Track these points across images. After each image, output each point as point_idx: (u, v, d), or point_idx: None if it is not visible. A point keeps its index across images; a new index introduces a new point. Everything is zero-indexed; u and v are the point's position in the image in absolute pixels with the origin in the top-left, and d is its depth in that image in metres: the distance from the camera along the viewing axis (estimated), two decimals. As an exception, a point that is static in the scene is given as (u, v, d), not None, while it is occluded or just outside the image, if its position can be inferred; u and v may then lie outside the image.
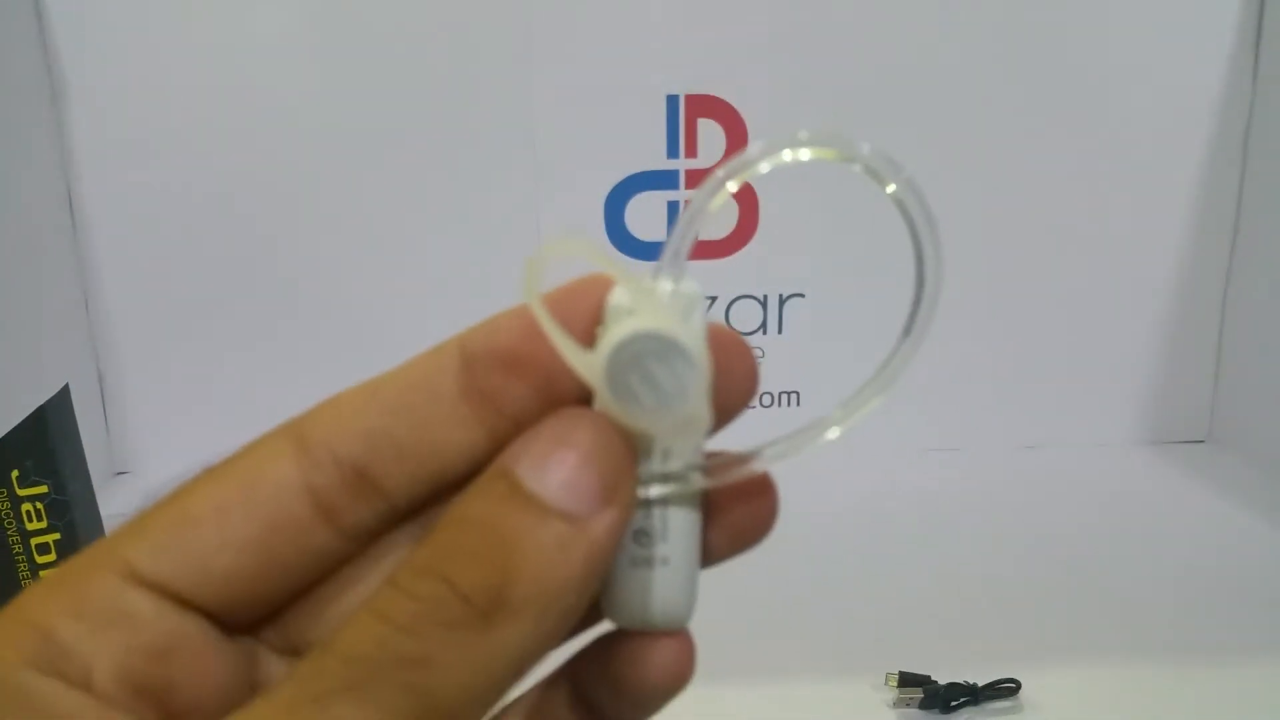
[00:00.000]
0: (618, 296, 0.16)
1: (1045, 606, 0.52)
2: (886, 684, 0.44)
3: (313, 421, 0.16)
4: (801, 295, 0.70)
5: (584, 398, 0.16)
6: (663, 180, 0.68)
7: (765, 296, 0.70)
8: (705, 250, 0.70)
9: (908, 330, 0.17)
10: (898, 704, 0.44)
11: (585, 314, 0.16)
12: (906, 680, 0.44)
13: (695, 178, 0.68)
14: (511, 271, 0.64)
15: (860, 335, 0.71)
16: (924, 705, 0.43)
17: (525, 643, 0.14)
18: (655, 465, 0.16)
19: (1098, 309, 0.72)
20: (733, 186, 0.16)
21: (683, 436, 0.16)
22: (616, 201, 0.68)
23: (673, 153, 0.68)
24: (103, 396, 0.70)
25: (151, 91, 0.65)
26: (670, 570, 0.16)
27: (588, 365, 0.15)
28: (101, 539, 0.15)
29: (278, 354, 0.70)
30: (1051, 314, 0.72)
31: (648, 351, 0.15)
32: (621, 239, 0.69)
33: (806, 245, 0.69)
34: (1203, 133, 0.69)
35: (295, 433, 0.16)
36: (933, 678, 0.44)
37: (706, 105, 0.67)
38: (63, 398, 0.45)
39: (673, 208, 0.69)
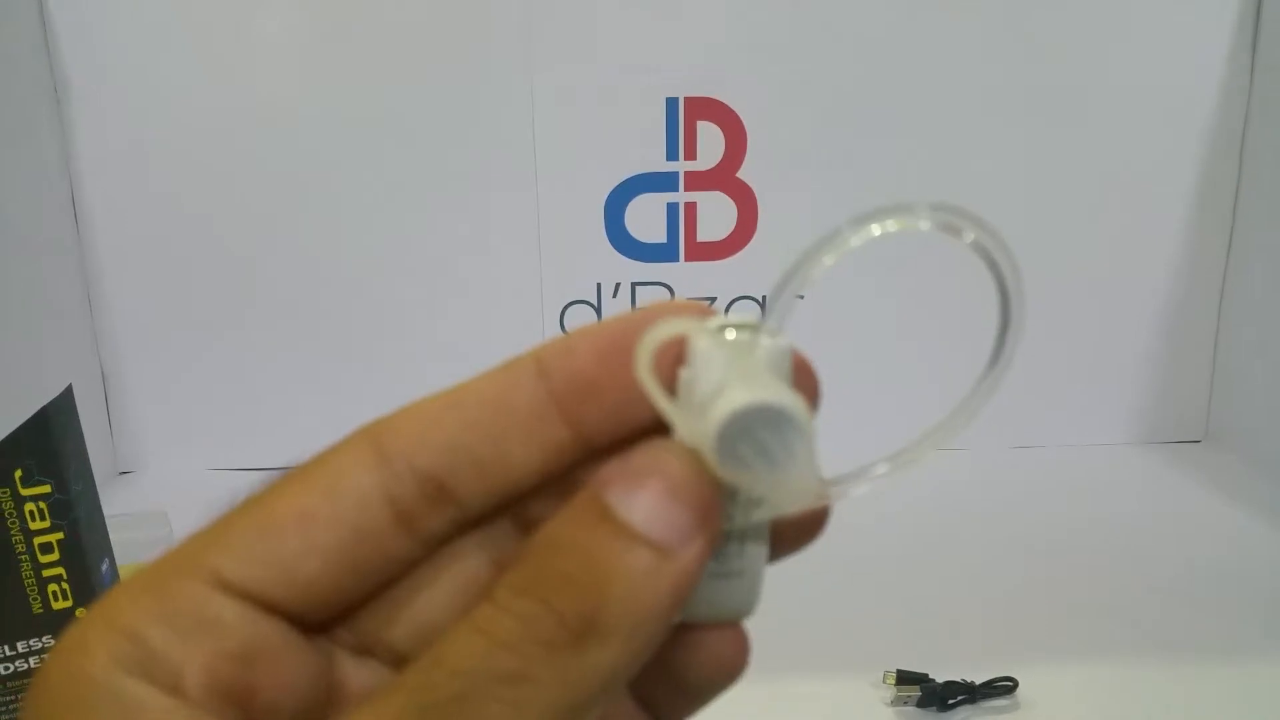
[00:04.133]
0: (705, 344, 0.16)
1: (1042, 605, 0.53)
2: (884, 682, 0.45)
3: (392, 431, 0.16)
4: (800, 296, 0.70)
5: (658, 420, 0.16)
6: (662, 182, 0.68)
7: (764, 297, 0.71)
8: (705, 251, 0.70)
9: (992, 362, 0.18)
10: (895, 702, 0.44)
11: (667, 349, 0.16)
12: (904, 678, 0.44)
13: (694, 180, 0.69)
14: (512, 272, 0.65)
15: (860, 335, 0.71)
16: (922, 703, 0.44)
17: (615, 662, 0.15)
18: (739, 495, 0.16)
19: (1095, 310, 0.72)
20: (829, 261, 0.17)
21: (790, 501, 0.16)
22: (616, 203, 0.69)
23: (672, 155, 0.68)
24: (106, 397, 0.70)
25: (154, 94, 0.65)
26: (743, 580, 0.17)
27: (694, 430, 0.15)
28: (185, 542, 0.16)
29: (280, 354, 0.70)
30: (1049, 315, 0.72)
31: (760, 423, 0.15)
32: (621, 240, 0.69)
33: (806, 246, 0.70)
34: (1199, 134, 0.69)
35: (374, 442, 0.16)
36: (930, 676, 0.44)
37: (706, 108, 0.67)
38: (66, 398, 0.45)
39: (672, 209, 0.69)
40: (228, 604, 0.15)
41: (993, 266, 0.17)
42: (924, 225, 0.16)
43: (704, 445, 0.15)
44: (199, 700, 0.15)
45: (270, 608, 0.16)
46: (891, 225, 0.16)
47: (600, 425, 0.17)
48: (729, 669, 0.17)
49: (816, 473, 0.16)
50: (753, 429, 0.15)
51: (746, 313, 0.17)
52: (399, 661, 0.17)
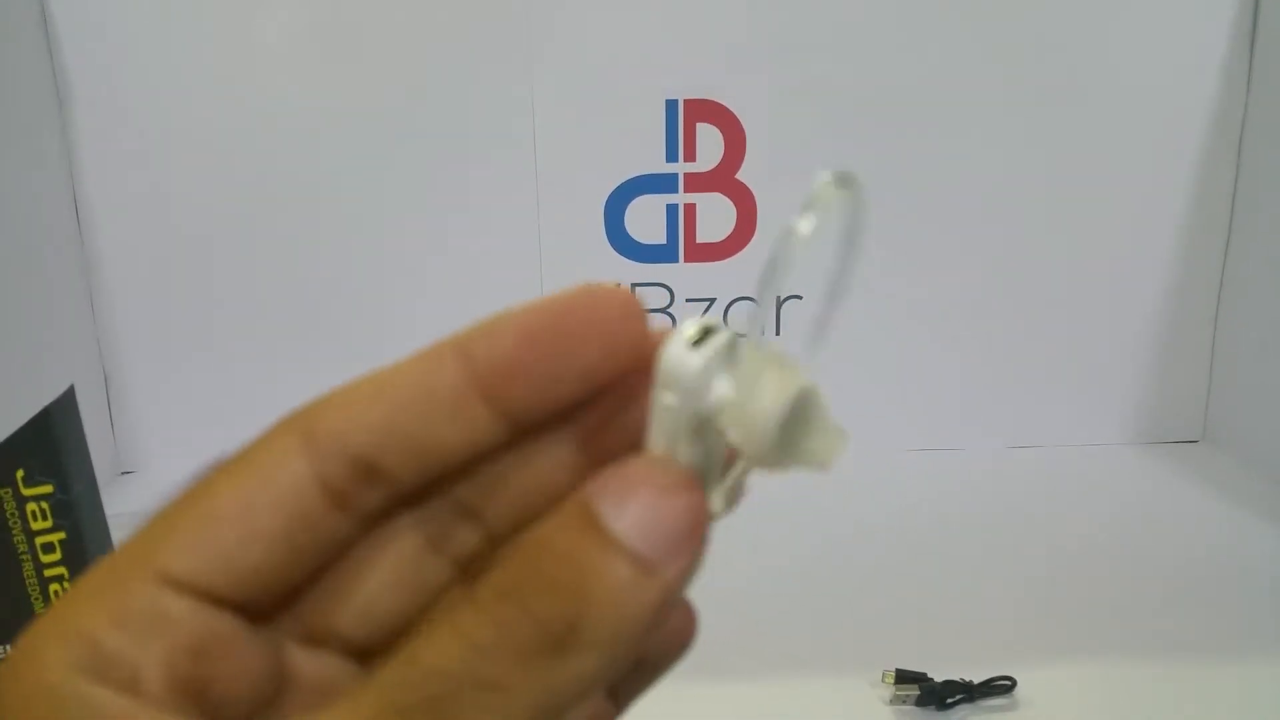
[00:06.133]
0: (696, 359, 0.16)
1: (1040, 605, 0.53)
2: (883, 681, 0.45)
3: (320, 415, 0.17)
4: (799, 297, 0.71)
5: (586, 400, 0.17)
6: (662, 184, 0.68)
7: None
8: (704, 252, 0.70)
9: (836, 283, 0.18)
10: (894, 701, 0.44)
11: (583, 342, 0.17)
12: (903, 677, 0.44)
13: (694, 181, 0.69)
14: (513, 273, 0.65)
15: (858, 337, 0.71)
16: (920, 702, 0.44)
17: (592, 672, 0.15)
18: (716, 482, 0.17)
19: (1093, 310, 0.72)
20: (805, 226, 0.17)
21: (825, 459, 0.17)
22: (616, 204, 0.69)
23: (672, 156, 0.68)
24: (108, 397, 0.70)
25: (155, 95, 0.66)
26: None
27: (758, 414, 0.16)
28: (129, 542, 0.16)
29: (281, 353, 0.70)
30: (1047, 315, 0.72)
31: (807, 404, 0.16)
32: (621, 241, 0.69)
33: (804, 248, 0.70)
34: (1198, 134, 0.69)
35: (304, 427, 0.16)
36: (929, 675, 0.45)
37: (705, 110, 0.67)
38: (68, 398, 0.45)
39: (671, 210, 0.69)
40: (177, 600, 0.15)
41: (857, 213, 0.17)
42: (832, 195, 0.17)
43: (754, 440, 0.16)
44: (159, 699, 0.15)
45: (218, 600, 0.16)
46: (815, 212, 0.17)
47: (523, 407, 0.17)
48: (682, 642, 0.18)
49: (837, 429, 0.16)
50: (798, 411, 0.16)
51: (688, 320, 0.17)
52: (349, 648, 0.17)
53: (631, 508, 0.15)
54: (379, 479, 0.16)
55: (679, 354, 0.16)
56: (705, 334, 0.16)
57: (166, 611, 0.15)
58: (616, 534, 0.15)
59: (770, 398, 0.16)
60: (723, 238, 0.70)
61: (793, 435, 0.16)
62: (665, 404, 0.16)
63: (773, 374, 0.16)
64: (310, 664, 0.17)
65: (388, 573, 0.17)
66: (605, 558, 0.15)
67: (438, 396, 0.17)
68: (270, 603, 0.16)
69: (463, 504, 0.18)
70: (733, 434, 0.16)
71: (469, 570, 0.19)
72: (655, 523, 0.15)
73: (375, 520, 0.17)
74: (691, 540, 0.15)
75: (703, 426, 0.16)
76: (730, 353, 0.16)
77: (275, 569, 0.16)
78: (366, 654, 0.18)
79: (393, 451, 0.16)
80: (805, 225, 0.16)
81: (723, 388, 0.16)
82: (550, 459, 0.18)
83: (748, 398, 0.16)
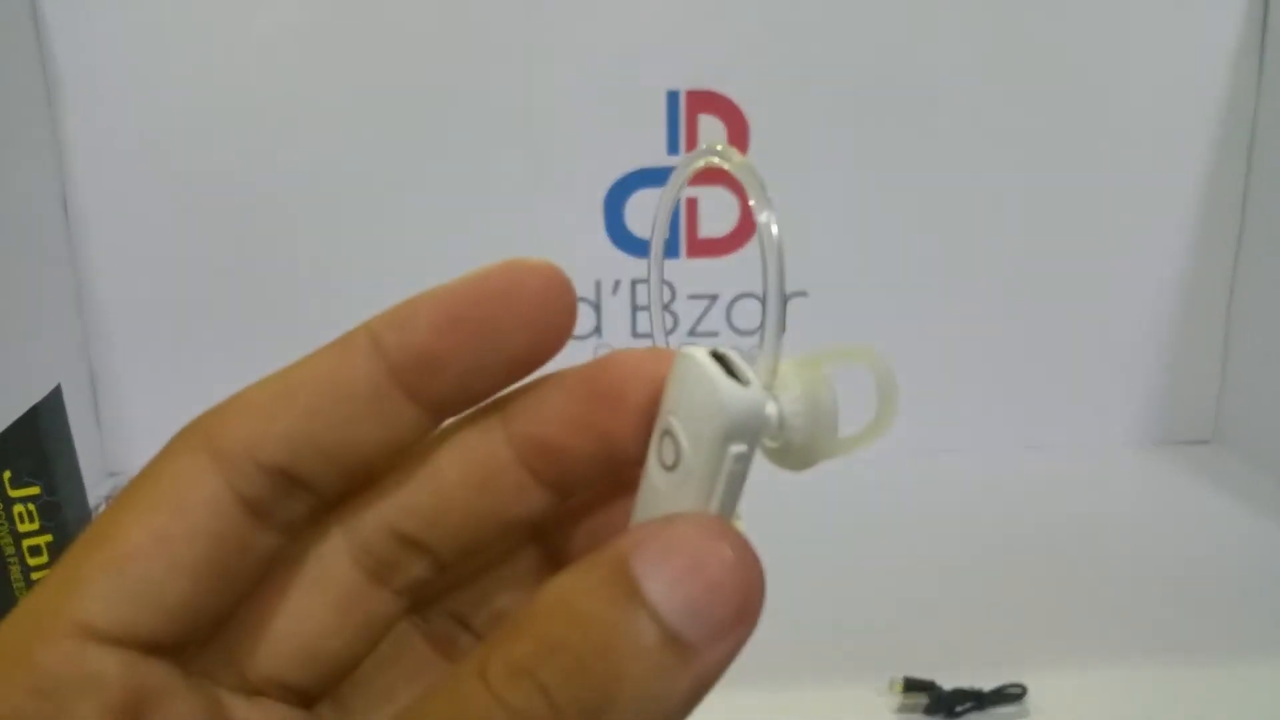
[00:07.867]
0: (756, 396, 0.15)
1: (1051, 610, 0.52)
2: (891, 689, 0.44)
3: (225, 428, 0.15)
4: (804, 294, 0.70)
5: (504, 387, 0.16)
6: (663, 177, 0.68)
7: (767, 295, 0.70)
8: (707, 249, 0.69)
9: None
10: (902, 710, 0.44)
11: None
12: (911, 685, 0.44)
13: (696, 175, 0.68)
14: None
15: (862, 333, 0.71)
16: (929, 711, 0.43)
17: None
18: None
19: (1103, 309, 0.72)
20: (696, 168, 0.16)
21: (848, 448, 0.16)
22: (616, 198, 0.68)
23: (673, 149, 0.67)
24: (95, 397, 0.69)
25: (146, 89, 0.65)
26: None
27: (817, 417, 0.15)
28: (34, 598, 0.15)
29: (272, 353, 0.69)
30: (1056, 314, 0.71)
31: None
32: (621, 235, 0.69)
33: (808, 244, 0.69)
34: (1207, 133, 0.69)
35: (208, 443, 0.15)
36: (938, 683, 0.44)
37: (707, 101, 0.66)
38: (55, 398, 0.44)
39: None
40: (103, 654, 0.14)
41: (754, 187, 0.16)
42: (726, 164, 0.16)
43: (813, 443, 0.15)
44: None
45: (149, 646, 0.14)
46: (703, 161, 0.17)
47: (445, 398, 0.16)
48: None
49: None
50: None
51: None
52: (291, 694, 0.16)
53: (675, 577, 0.13)
54: (301, 487, 0.16)
55: (739, 395, 0.14)
56: (720, 360, 0.15)
57: (91, 668, 0.14)
58: (656, 607, 0.13)
59: (821, 394, 0.15)
60: (725, 233, 0.69)
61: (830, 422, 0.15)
62: (735, 454, 0.14)
63: (791, 370, 0.15)
64: (250, 714, 0.16)
65: (328, 612, 0.16)
66: (639, 634, 0.13)
67: (355, 394, 0.15)
68: (206, 633, 0.15)
69: (404, 534, 0.17)
70: (781, 445, 0.15)
71: (420, 600, 0.17)
72: (701, 598, 0.13)
73: (303, 529, 0.16)
74: (742, 620, 0.13)
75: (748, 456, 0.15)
76: (753, 367, 0.15)
77: (206, 597, 0.15)
78: (310, 698, 0.17)
79: (312, 458, 0.15)
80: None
81: (779, 408, 0.15)
82: (484, 448, 0.17)
83: (800, 407, 0.15)
